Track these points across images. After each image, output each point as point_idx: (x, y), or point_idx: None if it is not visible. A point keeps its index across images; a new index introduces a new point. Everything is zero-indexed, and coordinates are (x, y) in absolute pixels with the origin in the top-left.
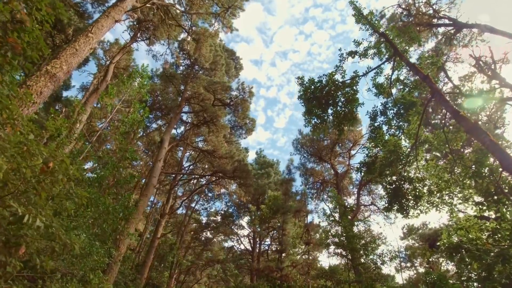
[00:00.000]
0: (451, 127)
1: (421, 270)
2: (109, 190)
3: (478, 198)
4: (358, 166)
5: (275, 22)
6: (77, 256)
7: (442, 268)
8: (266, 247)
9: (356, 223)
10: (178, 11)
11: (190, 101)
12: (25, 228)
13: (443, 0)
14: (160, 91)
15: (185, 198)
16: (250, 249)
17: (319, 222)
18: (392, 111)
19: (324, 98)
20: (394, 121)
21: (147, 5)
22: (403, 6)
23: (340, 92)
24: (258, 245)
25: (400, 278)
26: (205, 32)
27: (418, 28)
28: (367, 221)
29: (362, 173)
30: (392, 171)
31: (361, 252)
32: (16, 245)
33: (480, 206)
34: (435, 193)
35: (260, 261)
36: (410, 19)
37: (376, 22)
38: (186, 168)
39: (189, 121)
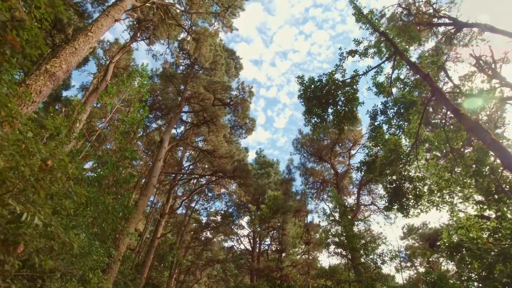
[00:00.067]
0: (451, 127)
1: (421, 270)
2: (109, 189)
3: (478, 197)
4: (358, 165)
5: (275, 22)
6: (76, 256)
7: (442, 268)
8: (266, 247)
9: (356, 222)
10: (178, 11)
11: (190, 101)
12: (24, 227)
13: (443, 0)
14: (160, 91)
15: (185, 198)
16: (250, 249)
17: (319, 222)
18: (392, 110)
19: (324, 97)
20: (394, 120)
21: (147, 4)
22: (403, 6)
23: (340, 91)
24: (258, 245)
25: (400, 278)
26: (205, 32)
27: (418, 28)
28: (367, 221)
29: (362, 172)
30: (393, 170)
31: (361, 251)
32: (15, 243)
33: (480, 205)
34: (435, 192)
35: (260, 261)
36: (410, 19)
37: (376, 21)
38: (186, 168)
39: (189, 120)
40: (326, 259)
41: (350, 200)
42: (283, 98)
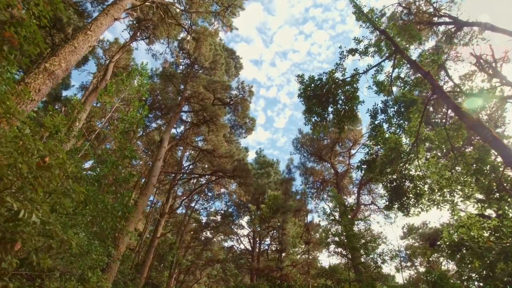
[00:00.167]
0: (452, 125)
1: (422, 269)
2: (108, 188)
3: (479, 196)
4: (359, 164)
5: (275, 22)
6: (75, 255)
7: (442, 267)
8: (266, 247)
9: (356, 222)
10: (177, 10)
11: (190, 100)
12: (22, 225)
13: None
14: (159, 91)
15: (184, 197)
16: (250, 248)
17: (319, 221)
18: (392, 109)
19: (324, 96)
20: (395, 119)
21: (147, 3)
22: (403, 5)
23: (340, 90)
24: (258, 244)
25: (400, 278)
26: (205, 31)
27: (418, 27)
28: (367, 220)
29: (363, 171)
30: (393, 169)
31: (361, 251)
32: (12, 241)
33: (481, 204)
34: (436, 191)
35: (260, 261)
36: (411, 18)
37: (376, 20)
38: (186, 168)
39: (189, 120)
40: (326, 258)
41: (350, 200)
42: (283, 98)
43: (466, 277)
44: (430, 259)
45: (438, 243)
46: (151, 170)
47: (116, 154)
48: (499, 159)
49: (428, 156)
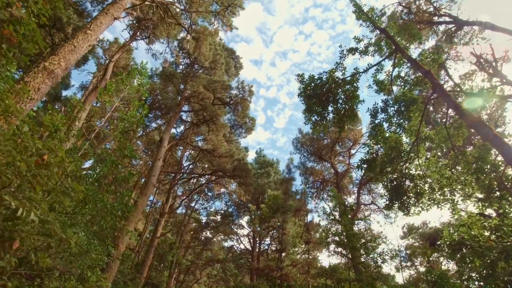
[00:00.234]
0: (452, 125)
1: (422, 269)
2: (108, 187)
3: (480, 196)
4: (359, 163)
5: (275, 22)
6: (75, 254)
7: (442, 267)
8: (266, 247)
9: (356, 222)
10: (177, 10)
11: (189, 100)
12: (21, 224)
13: None
14: (159, 90)
15: (184, 197)
16: (250, 248)
17: (319, 221)
18: (392, 109)
19: (324, 95)
20: (395, 119)
21: (146, 2)
22: (404, 4)
23: (340, 89)
24: (258, 244)
25: (400, 277)
26: (205, 31)
27: (418, 26)
28: (367, 220)
29: (363, 170)
30: (393, 168)
31: (361, 251)
32: (10, 239)
33: (482, 203)
34: (436, 190)
35: (260, 261)
36: (411, 17)
37: (376, 19)
38: (186, 167)
39: (189, 120)
40: (326, 258)
41: (350, 200)
42: (283, 98)
43: (466, 276)
44: (430, 258)
45: (439, 242)
46: (151, 169)
47: (116, 154)
48: (499, 157)
49: (428, 156)
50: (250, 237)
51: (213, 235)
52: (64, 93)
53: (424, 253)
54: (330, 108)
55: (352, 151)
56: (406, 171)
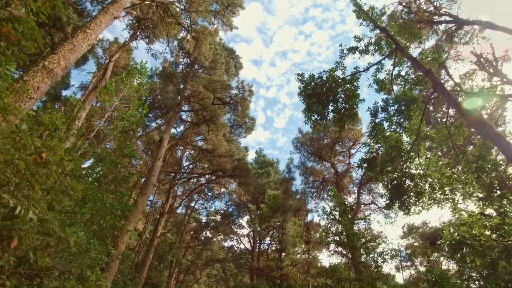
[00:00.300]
0: (453, 123)
1: (422, 269)
2: (107, 187)
3: (480, 195)
4: (359, 163)
5: (275, 22)
6: (74, 254)
7: (442, 267)
8: (266, 246)
9: (356, 221)
10: (177, 9)
11: (189, 100)
12: (20, 223)
13: None
14: (159, 90)
15: (184, 197)
16: (250, 248)
17: (319, 220)
18: (393, 108)
19: (324, 95)
20: (395, 118)
21: (146, 2)
22: (404, 3)
23: (340, 89)
24: (258, 244)
25: (400, 277)
26: (205, 30)
27: (418, 26)
28: (368, 219)
29: (363, 170)
30: (394, 167)
31: (362, 250)
32: (8, 238)
33: (483, 201)
34: (437, 189)
35: (260, 261)
36: (411, 16)
37: (377, 18)
38: (186, 167)
39: (189, 120)
40: (326, 258)
41: (350, 199)
42: (283, 98)
43: (466, 276)
44: (431, 258)
45: (439, 242)
46: (150, 169)
47: (116, 153)
48: (500, 156)
49: (428, 155)
50: (250, 237)
51: (213, 235)
52: (64, 93)
53: (424, 253)
54: (330, 108)
55: (352, 151)
56: (407, 170)
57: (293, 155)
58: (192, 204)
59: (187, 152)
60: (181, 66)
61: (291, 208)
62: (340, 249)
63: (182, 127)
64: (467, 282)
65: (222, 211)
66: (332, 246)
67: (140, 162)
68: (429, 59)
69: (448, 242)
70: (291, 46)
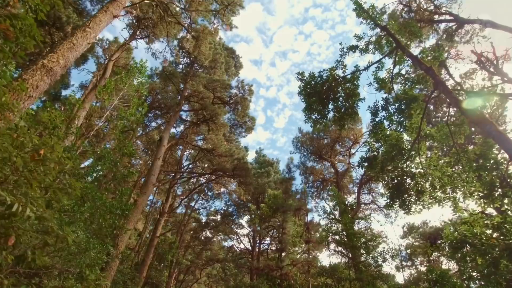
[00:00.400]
0: (454, 122)
1: (422, 268)
2: (107, 185)
3: (482, 193)
4: (360, 162)
5: (275, 22)
6: (73, 253)
7: (443, 266)
8: (266, 246)
9: (356, 221)
10: (177, 9)
11: (189, 99)
12: (18, 221)
13: None
14: (159, 90)
15: (184, 197)
16: (250, 248)
17: (319, 220)
18: (393, 107)
19: (324, 93)
20: (396, 117)
21: (146, 1)
22: (404, 2)
23: (340, 87)
24: (258, 244)
25: (400, 277)
26: (205, 30)
27: (419, 25)
28: (368, 219)
29: (364, 169)
30: (394, 166)
31: (362, 250)
32: (6, 235)
33: (484, 200)
34: (437, 188)
35: (260, 260)
36: (411, 15)
37: (377, 16)
38: (186, 167)
39: (189, 119)
40: (327, 257)
41: (350, 199)
42: (283, 98)
43: (467, 275)
44: (431, 258)
45: (439, 241)
46: (150, 169)
47: (115, 152)
48: (501, 155)
49: (429, 154)
50: (250, 236)
51: (213, 234)
52: (63, 92)
53: (425, 252)
54: (330, 106)
55: (352, 150)
56: (407, 169)
57: (293, 154)
58: (192, 204)
59: (187, 152)
60: (181, 66)
61: (291, 208)
62: (340, 248)
63: (182, 127)
64: (468, 282)
65: (222, 211)
66: (332, 246)
67: (140, 161)
68: (429, 57)
69: (448, 241)
70: (291, 46)
